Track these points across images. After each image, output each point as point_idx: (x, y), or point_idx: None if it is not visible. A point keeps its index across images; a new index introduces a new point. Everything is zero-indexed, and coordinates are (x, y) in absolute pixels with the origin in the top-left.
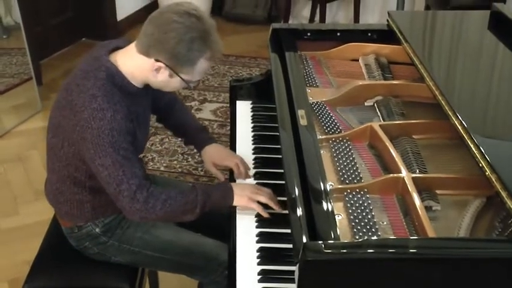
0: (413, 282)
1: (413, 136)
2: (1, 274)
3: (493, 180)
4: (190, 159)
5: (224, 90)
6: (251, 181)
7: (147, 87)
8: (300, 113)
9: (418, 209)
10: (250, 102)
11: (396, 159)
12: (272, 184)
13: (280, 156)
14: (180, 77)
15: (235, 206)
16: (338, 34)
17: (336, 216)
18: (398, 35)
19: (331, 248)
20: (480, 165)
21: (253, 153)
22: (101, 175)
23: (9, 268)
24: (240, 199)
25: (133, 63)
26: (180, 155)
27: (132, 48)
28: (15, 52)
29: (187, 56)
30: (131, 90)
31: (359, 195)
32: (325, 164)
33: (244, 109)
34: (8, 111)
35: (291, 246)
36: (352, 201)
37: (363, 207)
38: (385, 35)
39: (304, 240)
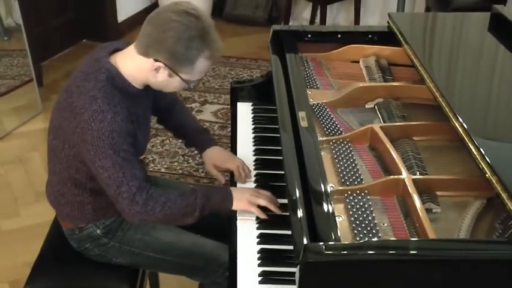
0: (414, 284)
1: (414, 138)
2: (2, 275)
3: (494, 181)
4: (191, 161)
5: (225, 92)
6: (251, 183)
7: (147, 88)
8: (301, 114)
9: (419, 210)
10: (251, 103)
11: (397, 160)
12: (273, 186)
13: (280, 157)
14: (180, 77)
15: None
16: (339, 36)
17: (337, 218)
18: (399, 36)
19: (331, 250)
20: (480, 166)
21: (254, 155)
22: (101, 177)
23: (10, 269)
24: (239, 203)
25: (133, 65)
26: (180, 157)
27: (131, 49)
28: (16, 54)
29: (186, 55)
30: (131, 92)
31: (360, 197)
32: (325, 165)
33: (245, 111)
34: (9, 112)
35: (291, 247)
36: (352, 203)
37: (363, 209)
38: (386, 37)
39: (305, 241)
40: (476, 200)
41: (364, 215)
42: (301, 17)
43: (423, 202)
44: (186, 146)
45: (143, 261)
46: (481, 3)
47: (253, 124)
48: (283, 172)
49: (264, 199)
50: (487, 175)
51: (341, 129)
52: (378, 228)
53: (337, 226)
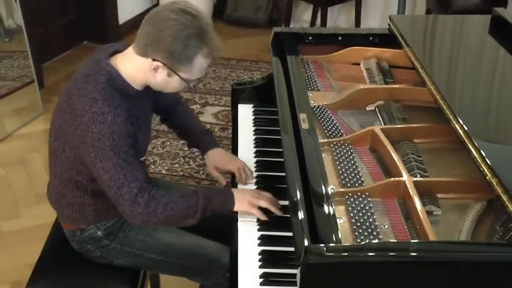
0: (415, 286)
1: (415, 140)
2: (3, 276)
3: (494, 184)
4: (191, 163)
5: (225, 94)
6: (252, 185)
7: (147, 89)
8: (302, 116)
9: (419, 212)
10: (252, 105)
11: (397, 163)
12: (274, 188)
13: (281, 159)
14: (179, 76)
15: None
16: (340, 38)
17: (338, 220)
18: (400, 39)
19: (332, 251)
20: (481, 169)
21: (255, 157)
22: (102, 178)
23: (11, 271)
24: (240, 204)
25: (133, 66)
26: (181, 158)
27: (130, 50)
28: (17, 55)
29: (184, 53)
30: (132, 93)
31: (360, 199)
32: (326, 167)
33: (245, 112)
34: (10, 114)
35: (292, 249)
36: (353, 205)
37: (364, 211)
38: (387, 39)
39: (306, 243)
40: (476, 202)
41: (365, 217)
42: (302, 19)
43: (424, 204)
44: (188, 147)
45: (144, 263)
46: (482, 6)
47: (254, 126)
48: (284, 174)
49: (265, 201)
50: (487, 177)
51: (342, 131)
52: (378, 230)
53: (338, 228)
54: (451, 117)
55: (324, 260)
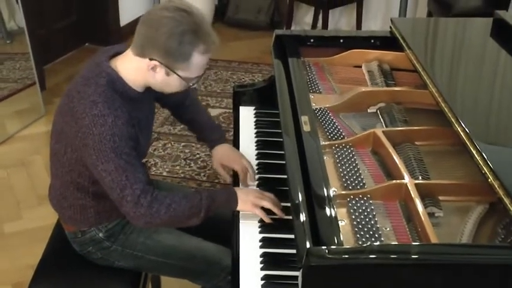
0: None
1: (416, 142)
2: (5, 278)
3: (496, 186)
4: (192, 165)
5: (227, 96)
6: (254, 187)
7: (149, 90)
8: (304, 119)
9: (421, 215)
10: (254, 108)
11: (399, 165)
12: (275, 190)
13: (283, 162)
14: (177, 74)
15: (239, 211)
16: (341, 41)
17: (339, 222)
18: (401, 41)
19: (334, 254)
20: (483, 171)
21: (257, 159)
22: (104, 181)
23: (13, 272)
24: (243, 204)
25: (132, 67)
26: (182, 160)
27: (129, 52)
28: (19, 57)
29: (179, 51)
30: (132, 96)
31: (362, 201)
32: (328, 170)
33: (247, 115)
34: (12, 116)
35: (294, 251)
36: (355, 207)
37: (366, 213)
38: (388, 42)
39: (308, 245)
40: (478, 205)
41: (367, 219)
42: (303, 21)
43: (425, 206)
44: (197, 140)
45: (145, 265)
46: (483, 9)
47: (255, 128)
48: (285, 176)
49: (268, 201)
50: (489, 180)
51: (343, 134)
52: (380, 232)
53: (339, 230)
54: (452, 119)
55: (325, 262)
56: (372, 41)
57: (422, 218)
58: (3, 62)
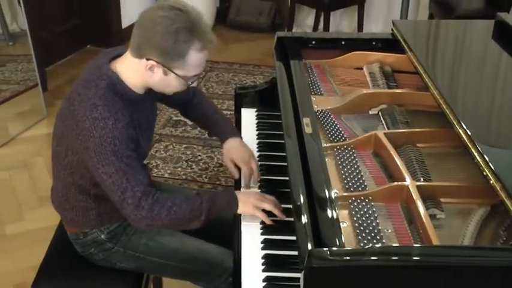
0: None
1: (418, 144)
2: (7, 279)
3: (498, 188)
4: (194, 166)
5: (228, 98)
6: (255, 188)
7: (150, 91)
8: (305, 120)
9: (423, 217)
10: (255, 109)
11: (400, 167)
12: (277, 191)
13: (285, 163)
14: (174, 73)
15: (240, 213)
16: (343, 43)
17: (341, 224)
18: (403, 43)
19: (336, 255)
20: (484, 173)
21: (258, 161)
22: (105, 183)
23: (15, 273)
24: (244, 206)
25: (131, 69)
26: (184, 162)
27: (127, 54)
28: (21, 59)
29: (175, 49)
30: (133, 98)
31: (364, 203)
32: (330, 171)
33: (249, 117)
34: (13, 117)
35: (296, 253)
36: (356, 209)
37: (367, 215)
38: (390, 44)
39: (310, 247)
40: (480, 207)
41: (368, 221)
42: (305, 23)
43: (427, 208)
44: (209, 136)
45: (147, 266)
46: (484, 11)
47: (257, 130)
48: (287, 178)
49: (269, 203)
50: (491, 182)
51: (345, 136)
52: (382, 234)
53: (341, 232)
54: (454, 121)
55: (327, 264)
56: (374, 43)
57: (424, 220)
58: (5, 63)
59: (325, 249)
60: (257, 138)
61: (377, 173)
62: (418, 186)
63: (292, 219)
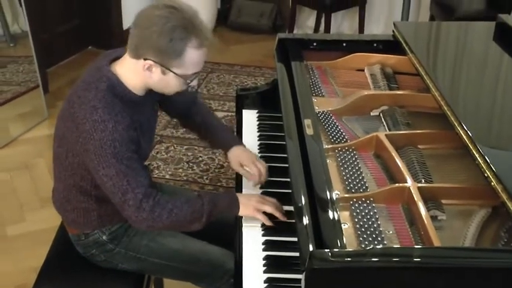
0: None
1: (419, 146)
2: (8, 280)
3: (499, 190)
4: (195, 168)
5: (229, 99)
6: (257, 190)
7: (151, 92)
8: (307, 122)
9: (424, 218)
10: (256, 111)
11: (402, 168)
12: (278, 193)
13: (286, 165)
14: (173, 72)
15: (241, 216)
16: (344, 44)
17: (342, 225)
18: (404, 45)
19: (337, 257)
20: (486, 175)
21: None
22: (105, 185)
23: (16, 274)
24: (245, 209)
25: (130, 70)
26: (185, 163)
27: (126, 55)
28: (22, 60)
29: (171, 48)
30: (133, 99)
31: (365, 204)
32: (331, 173)
33: (250, 118)
34: (15, 119)
35: (297, 254)
36: (358, 210)
37: (368, 216)
38: (391, 46)
39: (311, 248)
40: (481, 209)
41: (370, 223)
42: (306, 25)
43: (428, 209)
44: (211, 147)
45: (149, 267)
46: (485, 13)
47: (258, 131)
48: (288, 179)
49: (270, 206)
50: (492, 184)
51: (346, 137)
52: (383, 235)
53: (342, 233)
54: (455, 123)
55: (328, 265)
56: (375, 44)
57: (425, 222)
58: (6, 65)
59: (326, 250)
60: (258, 140)
61: (378, 174)
62: (419, 188)
63: (293, 220)
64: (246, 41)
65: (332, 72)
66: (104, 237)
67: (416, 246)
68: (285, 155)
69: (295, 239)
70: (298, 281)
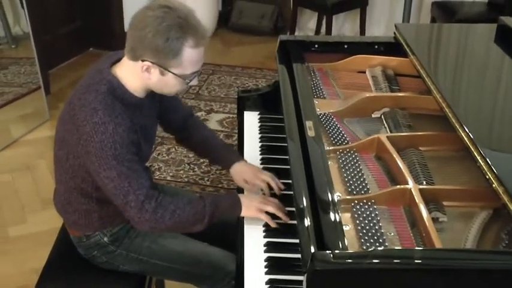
0: None
1: (420, 148)
2: (10, 282)
3: (500, 192)
4: (196, 169)
5: (230, 101)
6: (259, 191)
7: (152, 94)
8: (308, 124)
9: (425, 220)
10: (258, 112)
11: (403, 170)
12: (280, 194)
13: (287, 167)
14: (171, 72)
15: (243, 216)
16: (345, 46)
17: (344, 227)
18: (405, 47)
19: (339, 258)
20: (487, 177)
21: (261, 164)
22: (107, 187)
23: (18, 276)
24: (248, 209)
25: (129, 72)
26: (186, 165)
27: (125, 58)
28: (24, 61)
29: (168, 47)
30: (134, 102)
31: (366, 206)
32: (332, 175)
33: (251, 120)
34: (16, 120)
35: (298, 255)
36: (359, 212)
37: (370, 218)
38: (392, 48)
39: (313, 250)
40: (482, 211)
41: (371, 224)
42: (307, 27)
43: (430, 211)
44: (210, 163)
45: (150, 269)
46: (486, 15)
47: (260, 133)
48: (290, 181)
49: (272, 206)
50: (493, 185)
51: (348, 139)
52: (384, 237)
53: (344, 235)
54: (456, 125)
55: (330, 267)
56: (376, 46)
57: (427, 223)
58: (8, 66)
59: (328, 252)
60: (260, 142)
61: (380, 176)
62: (420, 190)
63: (295, 222)
64: (247, 42)
65: (333, 74)
66: (105, 239)
67: (417, 248)
68: (287, 157)
69: (297, 241)
70: (300, 282)
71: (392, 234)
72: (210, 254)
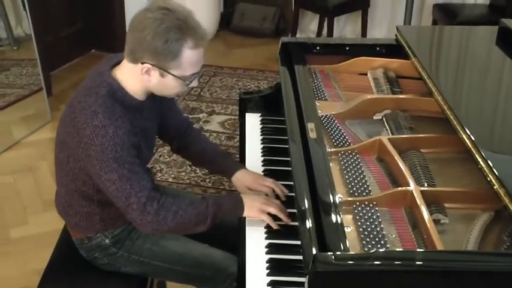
0: None
1: (422, 150)
2: (12, 283)
3: (502, 194)
4: (198, 171)
5: (232, 103)
6: (261, 193)
7: (153, 96)
8: (310, 126)
9: (427, 222)
10: (260, 114)
11: (405, 172)
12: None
13: (289, 168)
14: (171, 74)
15: (245, 217)
16: (347, 48)
17: (345, 228)
18: (407, 49)
19: (340, 260)
20: (488, 179)
21: (263, 165)
22: (108, 190)
23: (20, 277)
24: (250, 210)
25: (129, 75)
26: (188, 167)
27: (124, 60)
28: (25, 63)
29: (167, 49)
30: (134, 105)
31: (368, 208)
32: (334, 176)
33: (253, 121)
34: (18, 122)
35: (300, 257)
36: (361, 214)
37: (371, 220)
38: (394, 50)
39: (314, 251)
40: (484, 213)
41: (373, 226)
42: (308, 29)
43: (431, 213)
44: (210, 173)
45: (152, 271)
46: (487, 17)
47: (261, 135)
48: (292, 183)
49: (274, 207)
50: (495, 187)
51: (349, 141)
52: (386, 239)
53: (345, 236)
54: (458, 127)
55: (332, 268)
56: (378, 48)
57: (428, 225)
58: (10, 68)
59: (329, 253)
60: (261, 143)
61: (381, 178)
62: (422, 191)
63: (296, 223)
64: (248, 44)
65: (335, 76)
66: (107, 241)
67: (419, 250)
68: (288, 159)
69: (299, 242)
70: (302, 284)
71: (393, 236)
72: (212, 255)
